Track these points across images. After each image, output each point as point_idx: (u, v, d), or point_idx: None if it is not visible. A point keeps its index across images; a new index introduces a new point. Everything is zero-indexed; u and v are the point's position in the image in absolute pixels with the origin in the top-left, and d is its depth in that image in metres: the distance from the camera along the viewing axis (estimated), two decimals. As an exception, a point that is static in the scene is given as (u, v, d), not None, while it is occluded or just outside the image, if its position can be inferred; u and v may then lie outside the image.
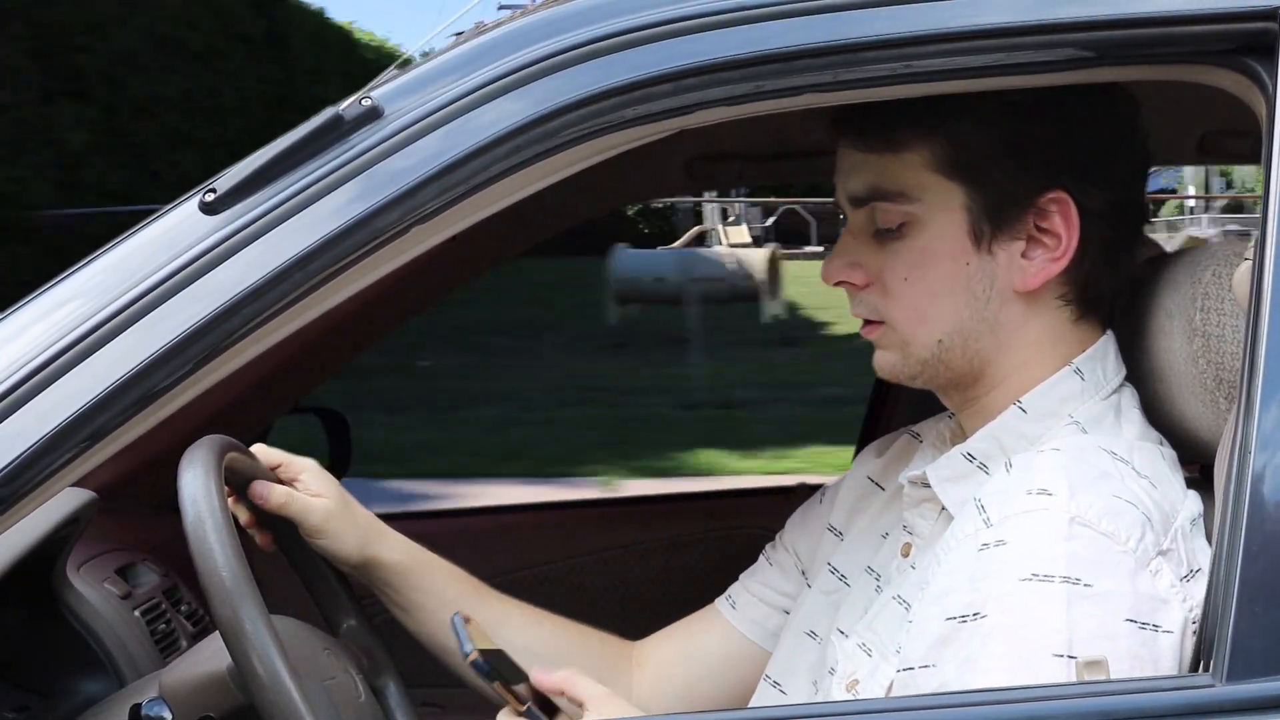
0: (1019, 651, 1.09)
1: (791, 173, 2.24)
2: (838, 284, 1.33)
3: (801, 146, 2.04)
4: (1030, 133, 1.25)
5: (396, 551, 1.50)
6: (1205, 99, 1.26)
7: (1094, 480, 1.16)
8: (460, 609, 1.53)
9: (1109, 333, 1.32)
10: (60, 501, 1.43)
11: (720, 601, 1.61)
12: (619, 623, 2.08)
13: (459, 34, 1.23)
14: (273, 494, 1.41)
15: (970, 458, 1.29)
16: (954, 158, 1.26)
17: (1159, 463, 1.23)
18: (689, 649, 1.59)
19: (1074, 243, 1.26)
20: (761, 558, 1.61)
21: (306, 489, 1.45)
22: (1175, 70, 1.18)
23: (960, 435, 1.35)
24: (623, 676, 1.59)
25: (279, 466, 1.46)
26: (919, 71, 1.15)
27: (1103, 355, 1.30)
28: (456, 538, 2.16)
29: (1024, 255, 1.26)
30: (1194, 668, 1.05)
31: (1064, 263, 1.26)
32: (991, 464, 1.27)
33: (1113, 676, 1.05)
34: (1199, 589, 1.12)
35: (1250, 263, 1.10)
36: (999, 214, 1.26)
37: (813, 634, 1.45)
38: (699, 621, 1.61)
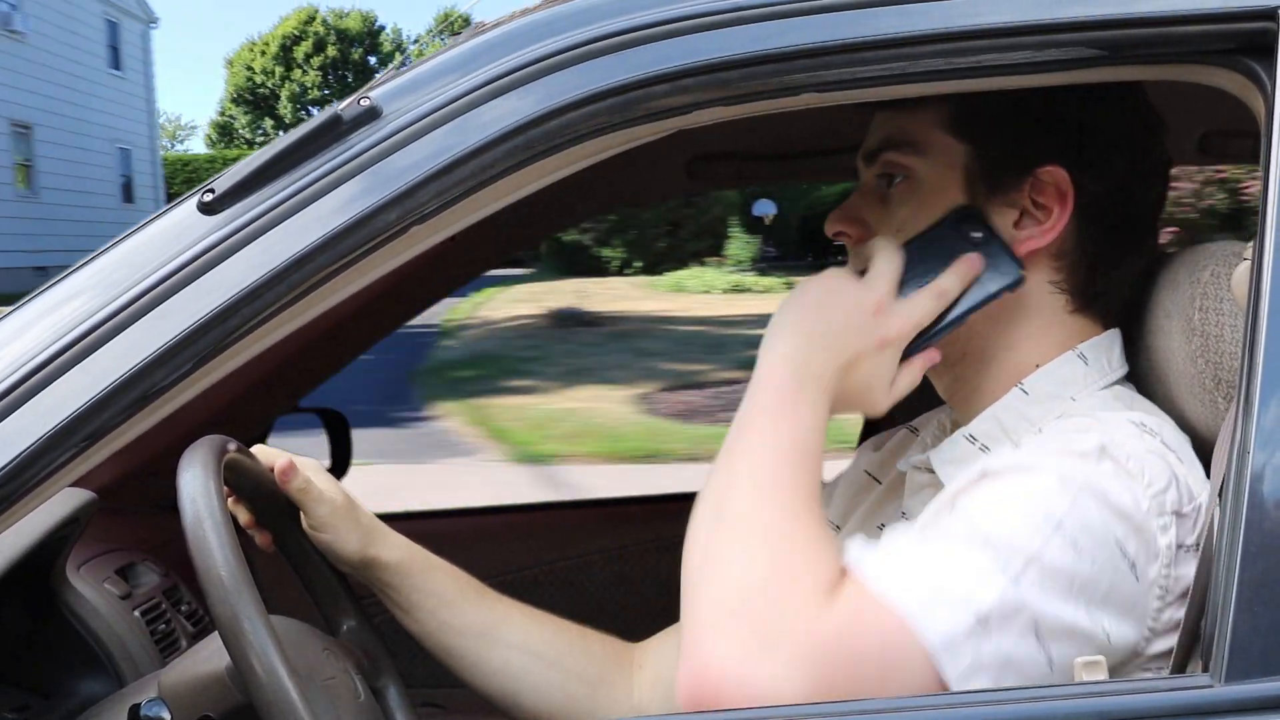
0: (1019, 497, 1.10)
1: (791, 173, 2.24)
2: (836, 234, 1.35)
3: (801, 146, 2.04)
4: (1039, 106, 1.27)
5: (397, 552, 1.50)
6: (1205, 99, 1.26)
7: (1129, 436, 1.18)
8: (460, 609, 1.53)
9: (1116, 329, 1.32)
10: (60, 501, 1.43)
11: None
12: (619, 623, 2.08)
13: (456, 34, 1.23)
14: (296, 476, 1.43)
15: (972, 439, 1.29)
16: (962, 116, 1.28)
17: (1185, 445, 1.23)
18: None
19: (1065, 218, 1.27)
20: None
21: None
22: (1175, 70, 1.18)
23: (957, 426, 1.35)
24: (623, 677, 1.59)
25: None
26: (918, 71, 1.15)
27: (1108, 346, 1.31)
28: (456, 538, 2.16)
29: (1016, 225, 1.28)
30: (1179, 668, 1.05)
31: (1052, 235, 1.27)
32: (994, 446, 1.27)
33: (1058, 587, 1.05)
34: (1188, 569, 1.12)
35: (1249, 262, 1.10)
36: (996, 178, 1.28)
37: None
38: None
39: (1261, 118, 1.12)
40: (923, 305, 1.24)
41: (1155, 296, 1.29)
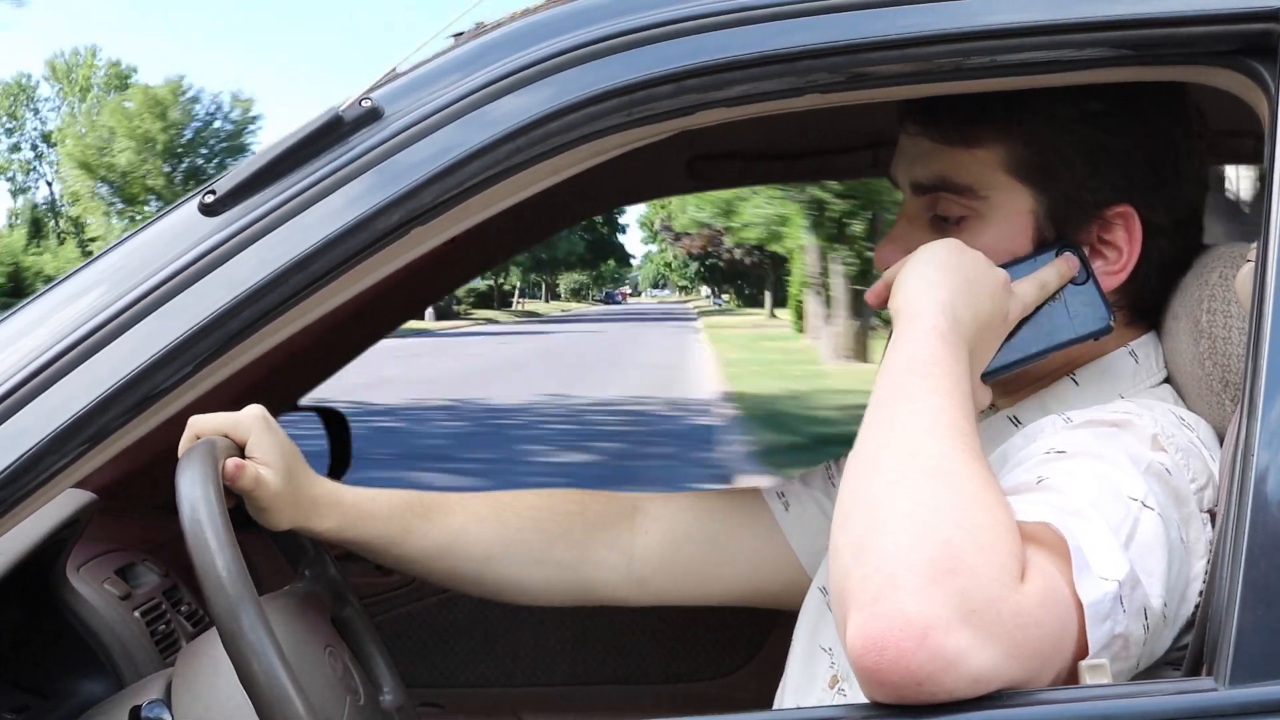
0: (1101, 474, 1.06)
1: (792, 173, 2.24)
2: (890, 267, 1.30)
3: (803, 146, 2.04)
4: (1106, 144, 1.25)
5: (329, 520, 1.44)
6: (1206, 99, 1.26)
7: (1174, 427, 1.17)
8: (410, 541, 1.49)
9: (1155, 331, 1.32)
10: (60, 502, 1.43)
11: (769, 496, 1.56)
12: (619, 621, 2.08)
13: (458, 35, 1.23)
14: (244, 476, 1.35)
15: (1016, 421, 1.29)
16: (1028, 160, 1.25)
17: (1218, 447, 1.23)
18: (721, 533, 1.54)
19: (1134, 257, 1.26)
20: (821, 468, 1.57)
21: (253, 453, 1.38)
22: (1177, 71, 1.18)
23: (996, 406, 1.34)
24: (610, 549, 1.55)
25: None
26: (920, 71, 1.14)
27: (1154, 345, 1.31)
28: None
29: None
30: (1193, 670, 1.05)
31: (1122, 276, 1.26)
32: (1036, 431, 1.24)
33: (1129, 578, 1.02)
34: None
35: (1253, 263, 1.10)
36: (1064, 220, 1.26)
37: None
38: (740, 511, 1.56)
39: (1264, 118, 1.11)
40: (1028, 292, 1.21)
41: (1163, 298, 1.29)
